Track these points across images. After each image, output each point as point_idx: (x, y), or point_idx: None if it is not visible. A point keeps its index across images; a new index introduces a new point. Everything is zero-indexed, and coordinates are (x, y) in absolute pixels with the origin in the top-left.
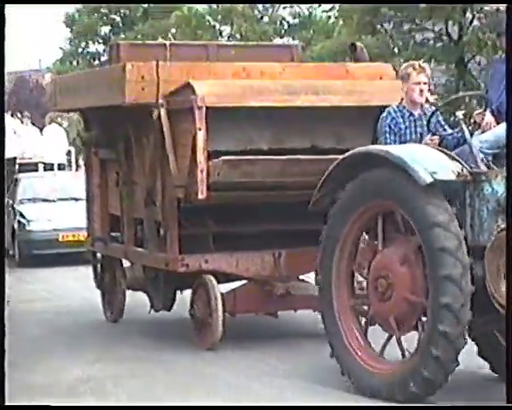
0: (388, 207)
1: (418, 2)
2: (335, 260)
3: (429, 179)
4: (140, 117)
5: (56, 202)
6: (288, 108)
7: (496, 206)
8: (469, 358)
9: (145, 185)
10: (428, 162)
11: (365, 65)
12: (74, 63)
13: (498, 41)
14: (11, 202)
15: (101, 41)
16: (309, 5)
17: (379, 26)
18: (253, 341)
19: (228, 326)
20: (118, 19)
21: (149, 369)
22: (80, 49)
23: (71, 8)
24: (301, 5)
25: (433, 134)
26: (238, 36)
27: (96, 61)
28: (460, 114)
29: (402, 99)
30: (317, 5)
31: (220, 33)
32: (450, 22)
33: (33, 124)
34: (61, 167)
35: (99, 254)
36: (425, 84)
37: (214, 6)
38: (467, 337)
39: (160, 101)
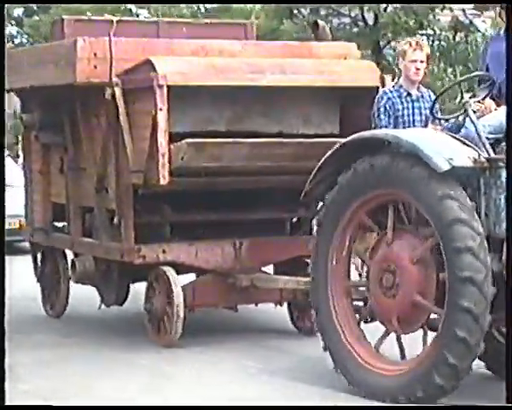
0: (398, 196)
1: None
2: (333, 249)
3: (446, 166)
4: (90, 97)
5: None
6: (253, 88)
7: None
8: None
9: (95, 171)
10: (443, 148)
11: (330, 44)
12: None
13: (499, 16)
14: None
15: (13, 23)
16: None
17: (296, 11)
18: (212, 336)
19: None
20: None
21: (105, 370)
22: None
23: None
24: None
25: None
26: (155, 18)
27: (10, 44)
28: (467, 96)
29: (397, 79)
30: None
31: (137, 16)
32: (365, 8)
33: None
34: None
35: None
36: (422, 62)
37: None
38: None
39: (115, 79)
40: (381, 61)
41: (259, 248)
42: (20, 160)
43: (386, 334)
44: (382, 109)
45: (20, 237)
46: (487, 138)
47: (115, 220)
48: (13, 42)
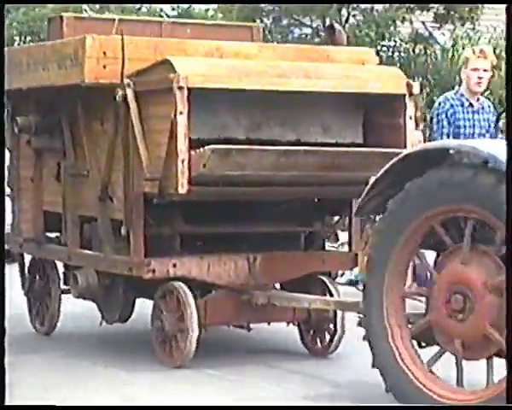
0: (473, 213)
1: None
2: (391, 262)
3: None
4: (94, 99)
5: None
6: (271, 93)
7: None
8: None
9: (99, 178)
10: None
11: (347, 49)
12: None
13: None
14: None
15: None
16: None
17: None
18: (222, 356)
19: None
20: None
21: (103, 393)
22: None
23: None
24: None
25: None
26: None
27: None
28: None
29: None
30: None
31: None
32: (327, 19)
33: None
34: None
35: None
36: (485, 71)
37: None
38: None
39: (126, 80)
40: None
41: (274, 264)
42: None
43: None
44: (444, 116)
45: None
46: None
47: (122, 231)
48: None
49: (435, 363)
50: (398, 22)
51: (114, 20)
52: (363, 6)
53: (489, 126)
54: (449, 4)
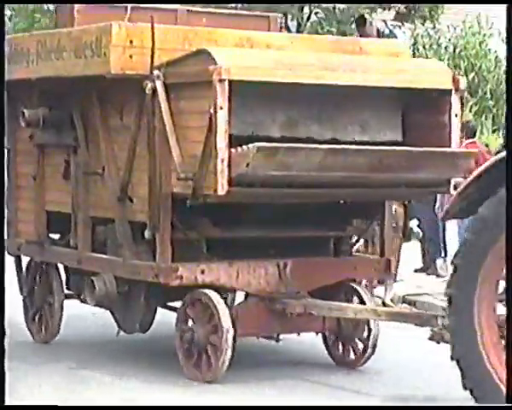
0: None
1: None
2: (484, 268)
3: None
4: (112, 92)
5: None
6: (308, 89)
7: None
8: None
9: (117, 177)
10: None
11: (379, 41)
12: None
13: None
14: None
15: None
16: None
17: None
18: (249, 369)
19: None
20: None
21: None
22: None
23: None
24: None
25: None
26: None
27: None
28: None
29: None
30: None
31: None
32: (289, 16)
33: None
34: None
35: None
36: None
37: None
38: None
39: (156, 72)
40: None
41: (305, 270)
42: None
43: None
44: None
45: None
46: None
47: (146, 235)
48: None
49: None
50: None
51: (126, 7)
52: (324, 4)
53: None
54: (410, 3)
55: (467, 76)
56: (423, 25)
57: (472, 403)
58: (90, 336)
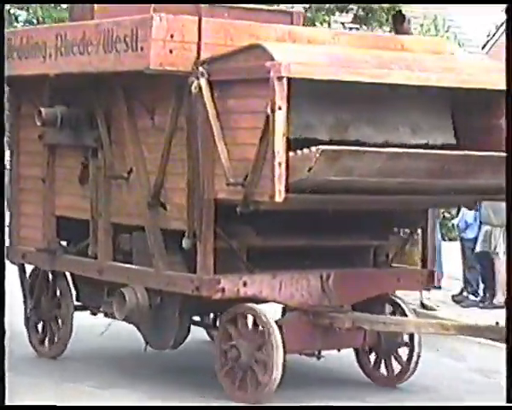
0: None
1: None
2: None
3: None
4: (142, 90)
5: None
6: (359, 89)
7: None
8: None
9: (147, 182)
10: None
11: (420, 38)
12: None
13: None
14: None
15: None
16: None
17: None
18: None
19: None
20: None
21: None
22: None
23: None
24: None
25: None
26: (35, 21)
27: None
28: None
29: None
30: None
31: (16, 19)
32: None
33: None
34: None
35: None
36: None
37: None
38: None
39: (201, 68)
40: None
41: (348, 282)
42: None
43: None
44: None
45: None
46: None
47: (185, 244)
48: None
49: None
50: (318, 23)
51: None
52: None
53: None
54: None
55: None
56: (381, 28)
57: None
58: (98, 351)
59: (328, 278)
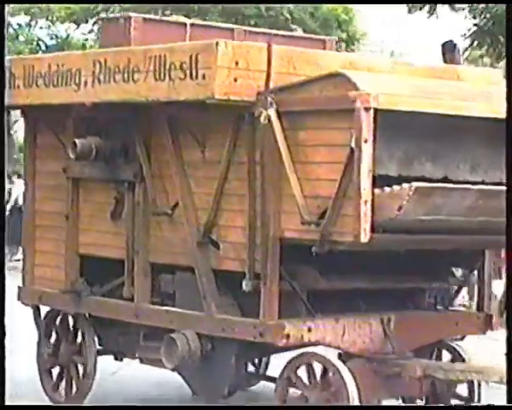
0: None
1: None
2: None
3: None
4: (191, 120)
5: None
6: (429, 122)
7: None
8: None
9: (197, 219)
10: None
11: (473, 68)
12: None
13: None
14: None
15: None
16: (67, 27)
17: None
18: None
19: None
20: None
21: None
22: None
23: None
24: (59, 27)
25: None
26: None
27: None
28: None
29: None
30: (76, 27)
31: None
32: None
33: None
34: None
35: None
36: None
37: None
38: None
39: (269, 98)
40: None
41: (409, 326)
42: None
43: None
44: None
45: None
46: None
47: (245, 287)
48: (46, 46)
49: None
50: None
51: (185, 24)
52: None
53: None
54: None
55: None
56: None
57: None
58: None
59: (388, 321)
